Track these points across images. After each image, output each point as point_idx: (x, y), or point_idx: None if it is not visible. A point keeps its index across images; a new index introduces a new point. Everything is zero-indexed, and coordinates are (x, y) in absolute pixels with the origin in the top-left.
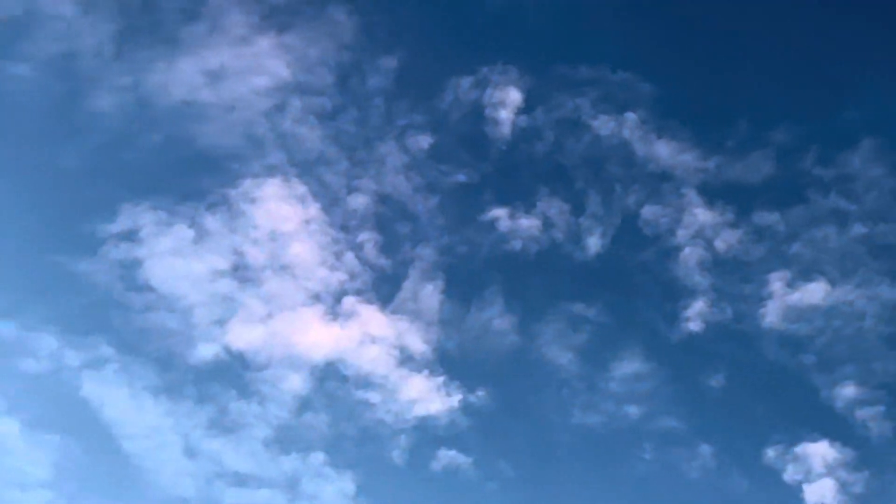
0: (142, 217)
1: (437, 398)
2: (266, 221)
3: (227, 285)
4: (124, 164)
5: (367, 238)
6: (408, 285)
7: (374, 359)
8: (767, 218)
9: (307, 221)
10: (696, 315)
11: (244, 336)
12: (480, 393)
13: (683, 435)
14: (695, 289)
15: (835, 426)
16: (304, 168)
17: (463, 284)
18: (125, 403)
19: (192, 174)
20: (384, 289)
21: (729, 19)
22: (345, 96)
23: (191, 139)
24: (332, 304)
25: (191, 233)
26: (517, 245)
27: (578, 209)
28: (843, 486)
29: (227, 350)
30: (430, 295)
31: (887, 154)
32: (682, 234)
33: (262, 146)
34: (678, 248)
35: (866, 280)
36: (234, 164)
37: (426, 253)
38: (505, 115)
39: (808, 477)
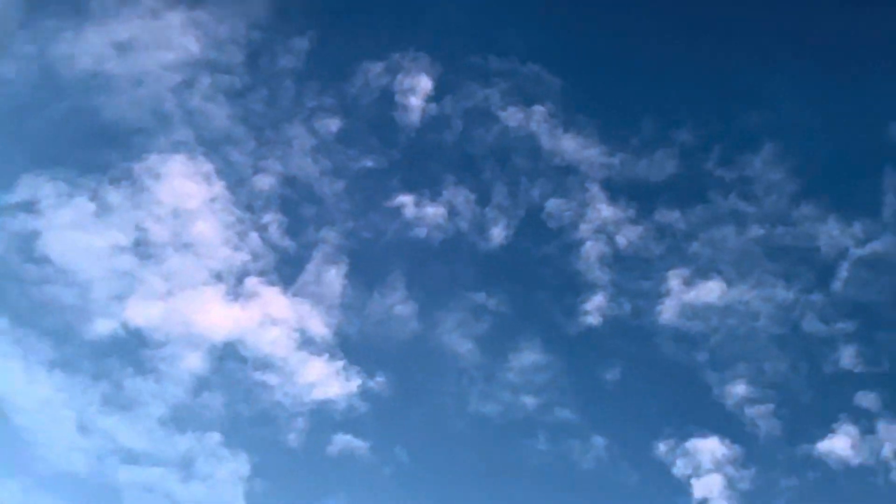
0: (42, 188)
1: (335, 382)
2: (170, 198)
3: (127, 261)
4: (26, 133)
5: (272, 219)
6: (311, 268)
7: (273, 341)
8: (668, 216)
9: (211, 200)
10: (594, 309)
11: (143, 313)
12: (379, 378)
13: (578, 426)
14: (595, 283)
15: (725, 423)
16: (211, 146)
17: (366, 269)
18: (18, 377)
19: (96, 147)
20: (287, 271)
21: (638, 19)
22: (254, 76)
23: (96, 111)
24: (234, 284)
25: (92, 206)
26: (422, 232)
27: (484, 199)
28: (731, 482)
29: (125, 326)
30: (333, 279)
31: (787, 158)
32: (584, 229)
33: (168, 122)
34: (580, 242)
35: (761, 281)
36: (140, 139)
37: (330, 236)
38: (415, 102)
39: (697, 472)
